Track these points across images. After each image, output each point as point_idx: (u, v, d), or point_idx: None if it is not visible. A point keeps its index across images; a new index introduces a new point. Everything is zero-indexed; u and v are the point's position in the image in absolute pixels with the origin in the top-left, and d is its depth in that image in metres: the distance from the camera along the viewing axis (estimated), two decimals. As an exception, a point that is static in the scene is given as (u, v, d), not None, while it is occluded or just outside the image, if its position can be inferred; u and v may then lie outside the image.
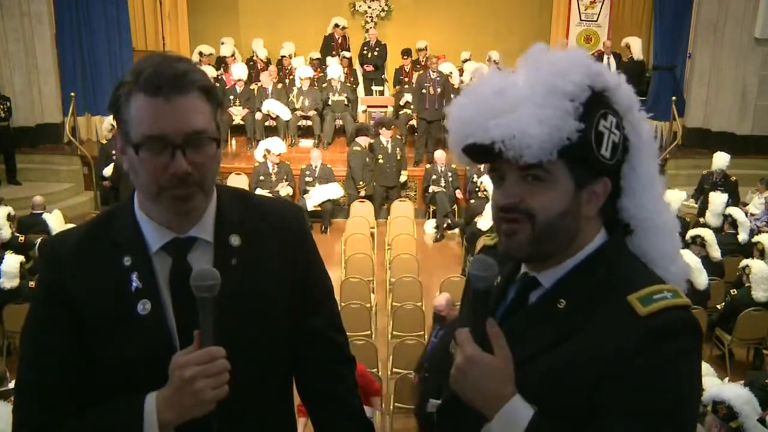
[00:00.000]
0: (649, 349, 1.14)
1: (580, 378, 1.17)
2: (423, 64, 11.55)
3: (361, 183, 9.27)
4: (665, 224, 1.30)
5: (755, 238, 7.08)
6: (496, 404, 1.20)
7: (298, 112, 10.95)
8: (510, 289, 1.35)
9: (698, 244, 6.83)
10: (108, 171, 8.74)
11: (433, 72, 10.32)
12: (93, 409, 1.32)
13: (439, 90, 10.08)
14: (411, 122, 10.98)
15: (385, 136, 9.54)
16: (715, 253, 6.86)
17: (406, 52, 12.08)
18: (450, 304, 5.41)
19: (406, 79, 11.71)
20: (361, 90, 12.33)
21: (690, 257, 6.26)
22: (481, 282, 1.24)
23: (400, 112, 11.21)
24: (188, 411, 1.24)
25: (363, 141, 9.38)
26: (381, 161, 9.51)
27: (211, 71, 11.19)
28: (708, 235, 6.93)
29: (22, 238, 6.98)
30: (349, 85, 11.60)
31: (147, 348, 1.32)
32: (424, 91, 10.19)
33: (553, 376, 1.19)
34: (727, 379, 4.96)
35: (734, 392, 3.96)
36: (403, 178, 9.89)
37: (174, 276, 1.35)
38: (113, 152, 7.86)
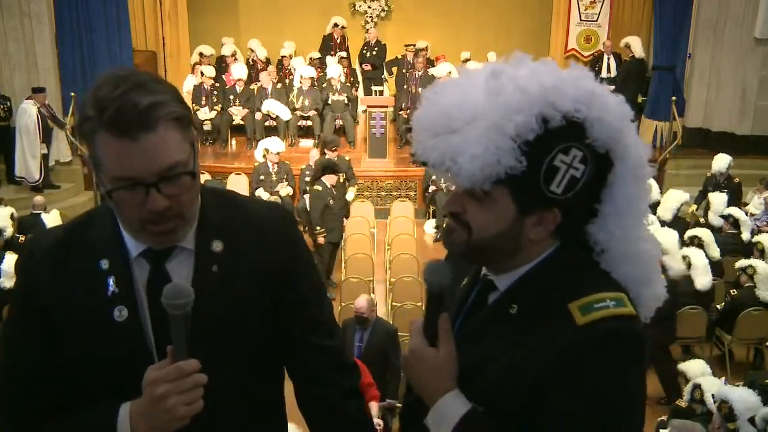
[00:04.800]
0: (582, 359, 1.13)
1: (524, 383, 1.17)
2: (411, 62, 11.57)
3: (318, 228, 7.64)
4: (638, 254, 1.25)
5: (755, 238, 7.09)
6: (433, 397, 1.24)
7: (298, 112, 10.95)
8: (474, 289, 1.37)
9: (696, 244, 6.83)
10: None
11: (418, 71, 10.41)
12: (66, 418, 1.30)
13: (420, 89, 10.27)
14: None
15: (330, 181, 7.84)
16: (714, 252, 6.86)
17: (410, 46, 12.02)
18: (371, 306, 5.44)
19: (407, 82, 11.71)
20: (361, 90, 12.33)
21: (698, 257, 6.25)
22: (431, 286, 1.28)
23: (400, 112, 11.21)
24: (161, 426, 1.22)
25: (329, 180, 7.75)
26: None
27: (210, 71, 11.20)
28: (705, 235, 6.92)
29: (22, 238, 6.98)
30: (349, 85, 11.60)
31: (123, 355, 1.28)
32: (406, 86, 10.44)
33: (501, 379, 1.20)
34: (724, 379, 4.97)
35: (740, 396, 3.98)
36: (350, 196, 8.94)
37: (151, 284, 1.31)
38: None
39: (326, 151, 8.52)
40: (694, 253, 6.27)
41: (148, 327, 1.31)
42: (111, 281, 1.30)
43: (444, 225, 1.39)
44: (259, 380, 1.44)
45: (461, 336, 1.29)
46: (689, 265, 6.22)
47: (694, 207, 8.45)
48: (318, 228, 7.61)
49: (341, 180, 8.16)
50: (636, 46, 11.24)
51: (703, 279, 6.21)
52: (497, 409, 1.20)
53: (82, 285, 1.31)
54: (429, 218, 9.70)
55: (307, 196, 8.38)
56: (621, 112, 1.20)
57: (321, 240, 7.65)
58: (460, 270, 1.38)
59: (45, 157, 9.39)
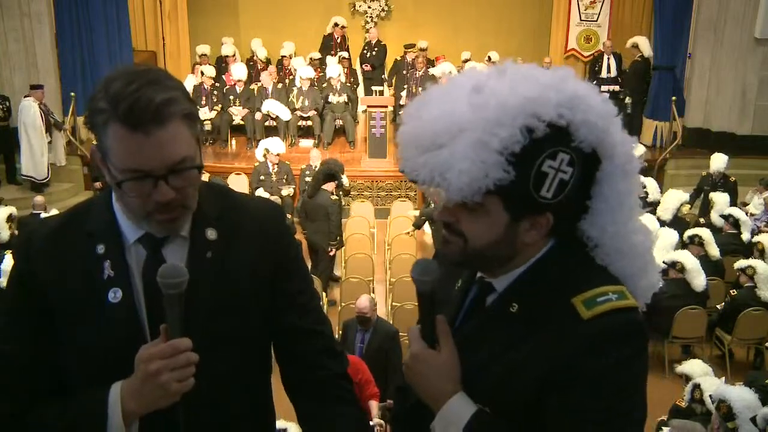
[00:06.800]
0: (592, 353, 1.15)
1: (531, 380, 1.19)
2: (411, 62, 11.58)
3: (337, 239, 7.55)
4: (630, 248, 1.27)
5: (755, 239, 7.09)
6: (439, 401, 1.24)
7: (298, 113, 10.95)
8: (471, 291, 1.37)
9: (696, 243, 6.84)
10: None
11: (419, 71, 10.42)
12: (60, 399, 1.33)
13: (420, 89, 10.25)
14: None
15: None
16: (714, 251, 6.87)
17: (409, 47, 12.04)
18: (373, 306, 5.44)
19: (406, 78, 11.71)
20: (361, 90, 12.33)
21: (688, 258, 6.27)
22: (423, 285, 1.28)
23: (400, 112, 11.20)
24: (152, 403, 1.26)
25: (330, 187, 7.60)
26: None
27: (210, 71, 11.19)
28: (705, 234, 6.93)
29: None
30: (349, 85, 11.60)
31: (117, 337, 1.32)
32: (406, 86, 10.55)
33: (506, 377, 1.21)
34: (723, 379, 4.97)
35: (739, 395, 3.98)
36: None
37: (147, 268, 1.34)
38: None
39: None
40: (682, 256, 6.30)
41: (143, 310, 1.34)
42: (107, 265, 1.34)
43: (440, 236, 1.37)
44: (250, 368, 1.46)
45: (461, 338, 1.29)
46: (682, 270, 6.25)
47: (688, 206, 8.44)
48: (337, 239, 7.50)
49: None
50: (644, 45, 11.13)
51: (698, 280, 6.23)
52: (503, 408, 1.21)
53: (79, 270, 1.34)
54: (429, 218, 9.70)
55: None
56: (605, 110, 1.21)
57: (333, 251, 7.56)
58: (450, 273, 1.38)
59: (49, 147, 9.36)
